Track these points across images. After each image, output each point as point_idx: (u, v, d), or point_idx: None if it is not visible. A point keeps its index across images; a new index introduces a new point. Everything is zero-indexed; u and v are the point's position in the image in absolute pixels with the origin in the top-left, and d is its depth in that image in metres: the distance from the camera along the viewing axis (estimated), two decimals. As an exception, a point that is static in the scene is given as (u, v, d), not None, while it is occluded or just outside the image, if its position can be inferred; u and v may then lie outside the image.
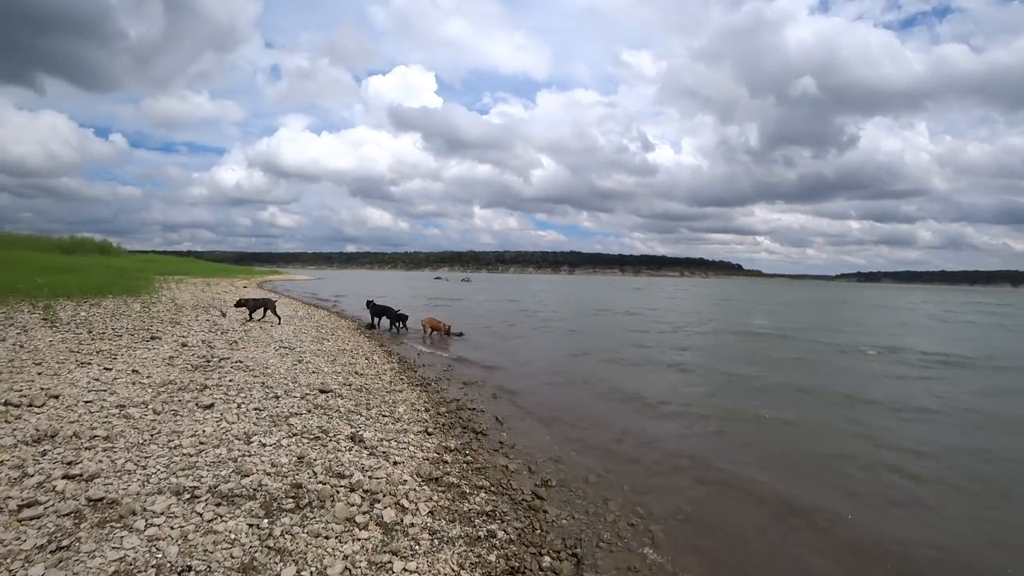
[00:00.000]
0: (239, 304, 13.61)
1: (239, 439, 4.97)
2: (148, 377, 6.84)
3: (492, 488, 4.87)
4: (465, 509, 4.31)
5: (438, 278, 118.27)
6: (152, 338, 9.38)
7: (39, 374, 6.55)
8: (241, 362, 8.19)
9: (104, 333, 9.34)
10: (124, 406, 5.60)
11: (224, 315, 13.79)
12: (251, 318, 13.60)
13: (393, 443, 5.53)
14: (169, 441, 4.75)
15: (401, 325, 16.99)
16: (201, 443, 4.77)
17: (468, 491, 4.69)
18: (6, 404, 5.35)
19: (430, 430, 6.25)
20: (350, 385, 7.78)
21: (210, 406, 5.82)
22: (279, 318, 14.05)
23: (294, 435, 5.25)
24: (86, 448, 4.48)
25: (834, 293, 79.41)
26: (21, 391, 5.77)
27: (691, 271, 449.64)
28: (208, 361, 8.07)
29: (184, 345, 9.09)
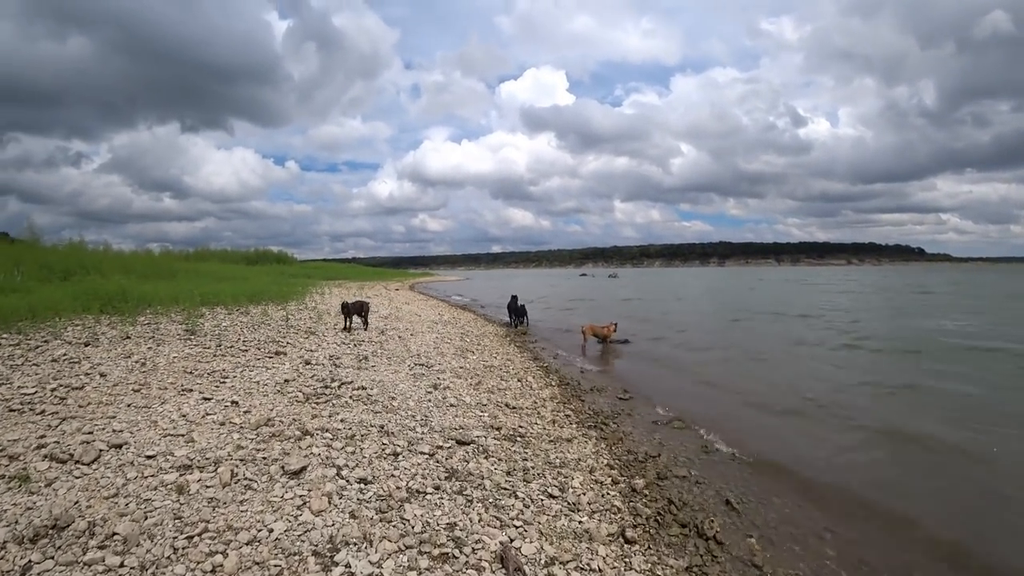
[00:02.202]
0: (344, 310, 11.71)
1: (316, 554, 2.93)
2: (246, 413, 5.26)
3: None
4: None
5: (584, 274, 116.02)
6: (277, 353, 8.11)
7: (128, 405, 5.27)
8: (364, 389, 6.42)
9: (232, 347, 8.27)
10: (189, 467, 3.91)
11: (366, 322, 12.62)
12: (347, 327, 11.68)
13: (573, 567, 3.15)
14: (211, 555, 2.83)
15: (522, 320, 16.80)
16: (256, 563, 2.79)
17: None
18: (49, 459, 3.92)
19: (629, 531, 3.75)
20: (499, 429, 5.59)
21: (300, 472, 3.93)
22: (366, 326, 12.08)
23: (407, 547, 3.10)
24: (83, 563, 2.72)
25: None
26: (88, 435, 4.41)
27: (860, 258, 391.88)
28: (326, 386, 6.43)
29: (307, 363, 7.65)
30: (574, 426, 6.25)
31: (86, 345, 7.54)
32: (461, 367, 8.65)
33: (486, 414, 6.03)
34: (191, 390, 5.86)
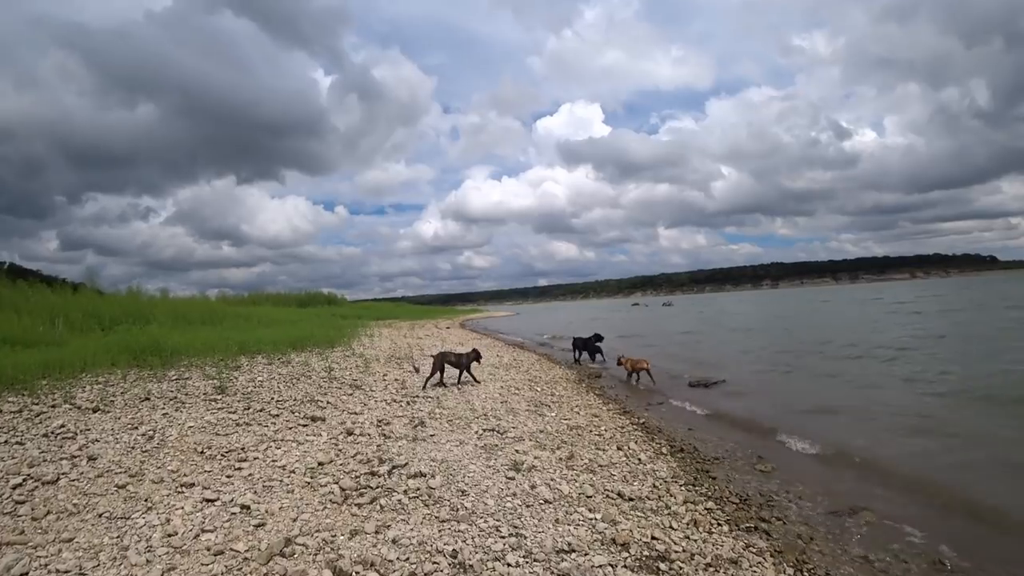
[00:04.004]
0: (436, 362, 10.01)
1: None
2: (257, 527, 3.63)
3: None
4: None
5: (636, 304, 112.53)
6: (313, 419, 6.53)
7: (100, 515, 3.75)
8: (423, 477, 4.69)
9: (261, 411, 6.77)
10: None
11: (418, 371, 11.03)
12: (442, 381, 10.04)
13: None
14: None
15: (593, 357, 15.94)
16: None
17: None
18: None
19: None
20: (626, 546, 3.68)
21: None
22: (475, 379, 10.41)
23: None
24: None
25: None
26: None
27: (925, 271, 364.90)
28: (372, 472, 4.74)
29: (349, 433, 6.02)
30: (725, 528, 4.30)
31: (95, 411, 6.19)
32: (541, 431, 6.82)
33: (598, 515, 4.17)
34: (193, 485, 4.29)
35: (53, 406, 6.20)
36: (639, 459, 5.95)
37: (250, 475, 4.57)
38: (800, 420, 8.38)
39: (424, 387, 9.46)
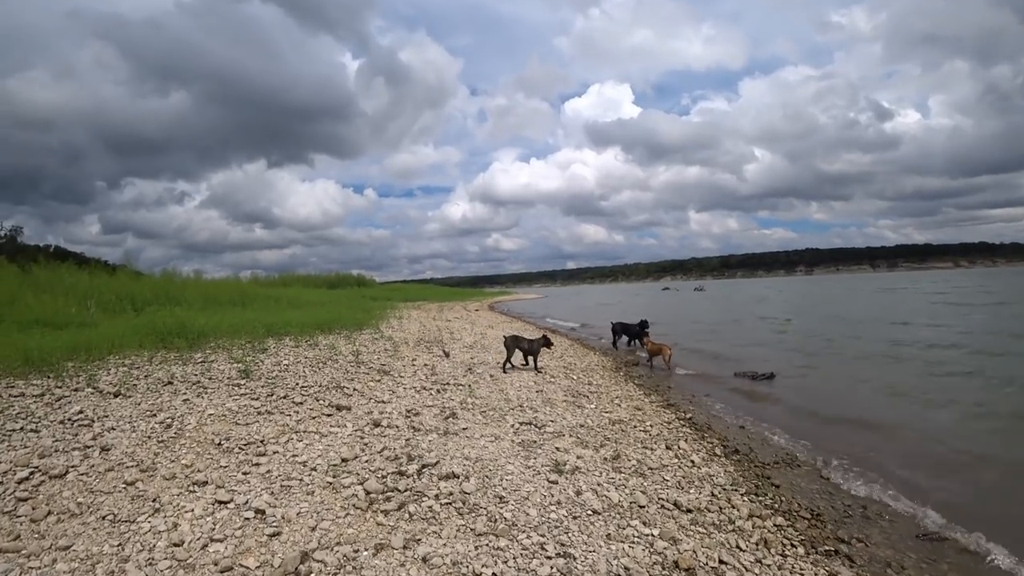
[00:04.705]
0: (507, 345, 9.91)
1: None
2: (272, 537, 3.22)
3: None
4: None
5: (666, 288, 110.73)
6: (338, 408, 6.14)
7: (104, 517, 3.42)
8: (455, 479, 4.23)
9: (285, 397, 6.43)
10: None
11: (447, 355, 10.62)
12: (509, 362, 9.87)
13: None
14: None
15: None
16: None
17: None
18: None
19: None
20: (691, 572, 3.17)
21: None
22: (536, 368, 10.10)
23: None
24: None
25: None
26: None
27: (970, 259, 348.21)
28: (400, 471, 4.30)
29: (376, 424, 5.60)
30: (800, 550, 3.73)
31: (115, 396, 5.93)
32: (581, 425, 6.30)
33: (655, 530, 3.65)
34: (206, 483, 3.91)
35: (76, 390, 5.96)
36: (692, 461, 5.38)
37: (268, 472, 4.18)
38: (860, 416, 7.68)
39: (504, 369, 9.62)
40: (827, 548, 3.81)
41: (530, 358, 10.05)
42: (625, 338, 15.76)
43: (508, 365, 9.75)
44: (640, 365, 12.53)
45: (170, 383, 6.60)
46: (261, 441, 4.86)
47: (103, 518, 3.41)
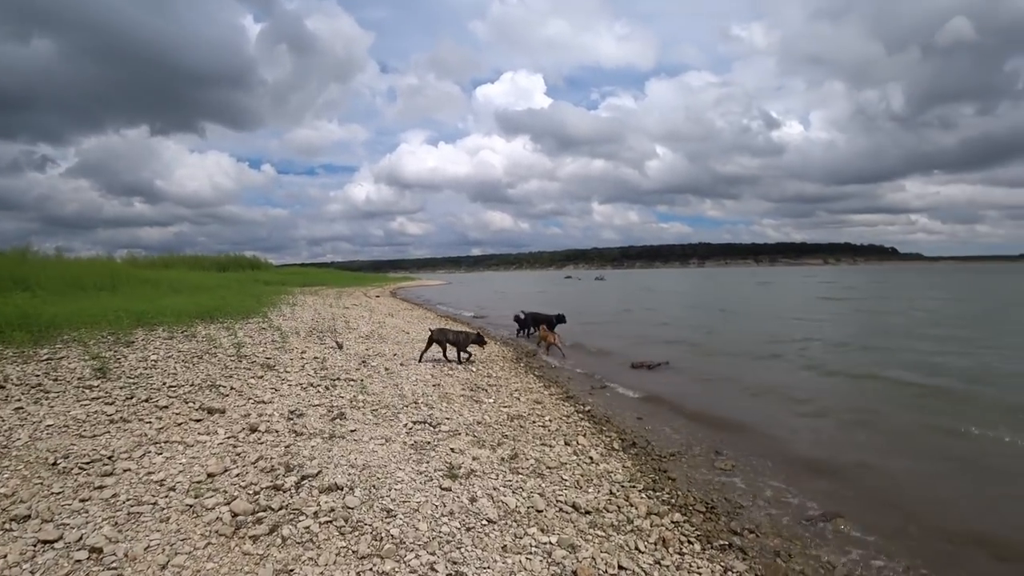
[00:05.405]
0: (434, 338, 9.68)
1: None
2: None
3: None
4: None
5: (568, 277, 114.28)
6: (210, 411, 5.50)
7: None
8: (339, 491, 3.86)
9: (148, 400, 5.67)
10: None
11: (341, 347, 10.03)
12: (424, 354, 9.74)
13: None
14: None
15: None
16: None
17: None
18: None
19: None
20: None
21: None
22: (466, 359, 10.02)
23: None
24: None
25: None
26: None
27: (836, 257, 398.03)
28: (276, 487, 3.85)
29: (252, 429, 5.06)
30: (697, 546, 3.76)
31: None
32: (479, 422, 6.11)
33: (553, 537, 3.52)
34: (28, 517, 3.26)
35: None
36: (590, 457, 5.37)
37: (113, 497, 3.58)
38: (750, 405, 8.16)
39: (420, 359, 9.55)
40: (722, 542, 3.88)
41: (454, 350, 9.83)
42: (529, 329, 15.72)
43: (427, 356, 9.66)
44: (540, 356, 12.60)
45: (2, 387, 5.64)
46: (109, 457, 4.19)
47: None
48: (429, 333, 9.84)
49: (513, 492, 4.17)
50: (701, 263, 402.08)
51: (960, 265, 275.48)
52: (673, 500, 4.59)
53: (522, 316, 15.95)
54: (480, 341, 10.17)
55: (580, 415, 7.20)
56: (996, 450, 5.95)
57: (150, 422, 5.08)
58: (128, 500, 3.55)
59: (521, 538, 3.48)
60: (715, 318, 22.01)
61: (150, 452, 4.37)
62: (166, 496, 3.64)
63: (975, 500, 4.85)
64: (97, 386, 5.97)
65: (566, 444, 5.67)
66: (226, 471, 4.10)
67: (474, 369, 9.48)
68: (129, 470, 4.00)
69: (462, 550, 3.25)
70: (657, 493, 4.69)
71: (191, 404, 5.69)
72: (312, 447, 4.71)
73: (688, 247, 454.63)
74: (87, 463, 4.05)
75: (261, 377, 7.11)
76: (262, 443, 4.75)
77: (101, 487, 3.70)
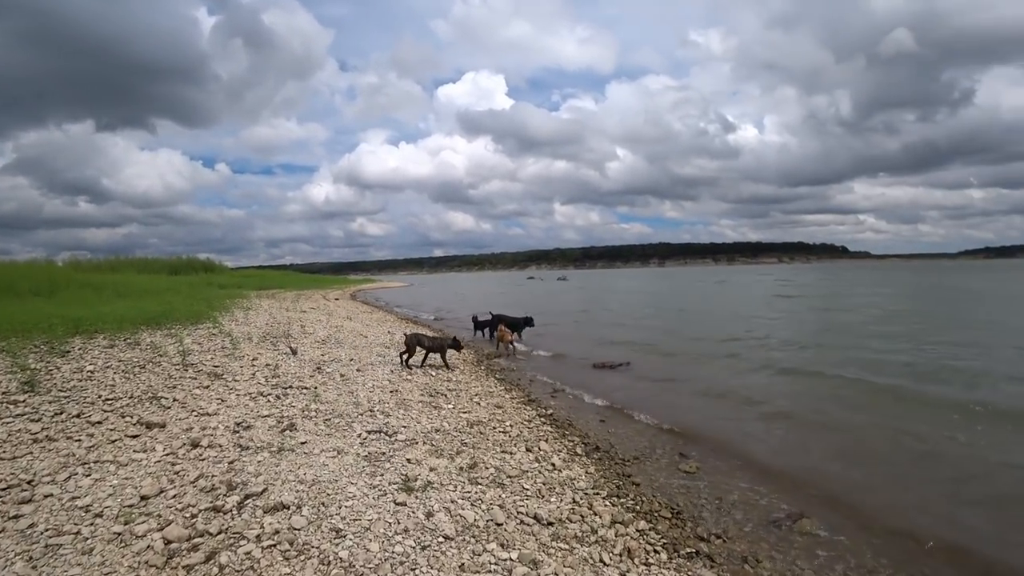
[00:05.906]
0: (408, 343, 9.60)
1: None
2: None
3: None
4: None
5: (531, 277, 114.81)
6: (148, 426, 5.15)
7: None
8: (284, 509, 3.63)
9: (80, 415, 5.27)
10: None
11: (295, 353, 9.66)
12: (405, 362, 9.66)
13: None
14: None
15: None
16: None
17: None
18: None
19: None
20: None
21: None
22: (446, 365, 9.94)
23: None
24: None
25: (979, 277, 58.27)
26: None
27: (791, 256, 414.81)
28: (216, 509, 3.59)
29: (194, 445, 4.75)
30: (664, 555, 3.65)
31: None
32: (437, 429, 5.92)
33: (514, 553, 3.38)
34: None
35: None
36: (553, 463, 5.24)
37: (30, 528, 3.26)
38: (711, 406, 8.21)
39: (403, 364, 9.52)
40: (688, 550, 3.80)
41: (430, 354, 9.81)
42: (486, 331, 15.50)
43: (413, 362, 9.66)
44: (502, 357, 12.47)
45: (-91, 405, 5.16)
46: (29, 482, 3.84)
47: None
48: (404, 337, 9.78)
49: (472, 505, 4.01)
50: (661, 263, 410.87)
51: (905, 263, 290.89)
52: (638, 507, 4.50)
53: (479, 318, 15.80)
54: (457, 346, 10.21)
55: (542, 419, 7.09)
56: (952, 450, 6.11)
57: (80, 440, 4.71)
58: (47, 530, 3.24)
59: (480, 555, 3.33)
60: (675, 318, 22.32)
61: (77, 474, 4.04)
62: (91, 524, 3.34)
63: (932, 499, 4.94)
64: (23, 401, 5.52)
65: (528, 450, 5.54)
66: (162, 492, 3.81)
67: (433, 373, 9.27)
68: (51, 496, 3.67)
69: (417, 571, 3.07)
70: (621, 500, 4.60)
71: (128, 418, 5.33)
72: (258, 462, 4.44)
73: (649, 247, 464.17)
74: (2, 489, 3.70)
75: (207, 387, 6.74)
76: (204, 459, 4.45)
77: (17, 516, 3.38)
